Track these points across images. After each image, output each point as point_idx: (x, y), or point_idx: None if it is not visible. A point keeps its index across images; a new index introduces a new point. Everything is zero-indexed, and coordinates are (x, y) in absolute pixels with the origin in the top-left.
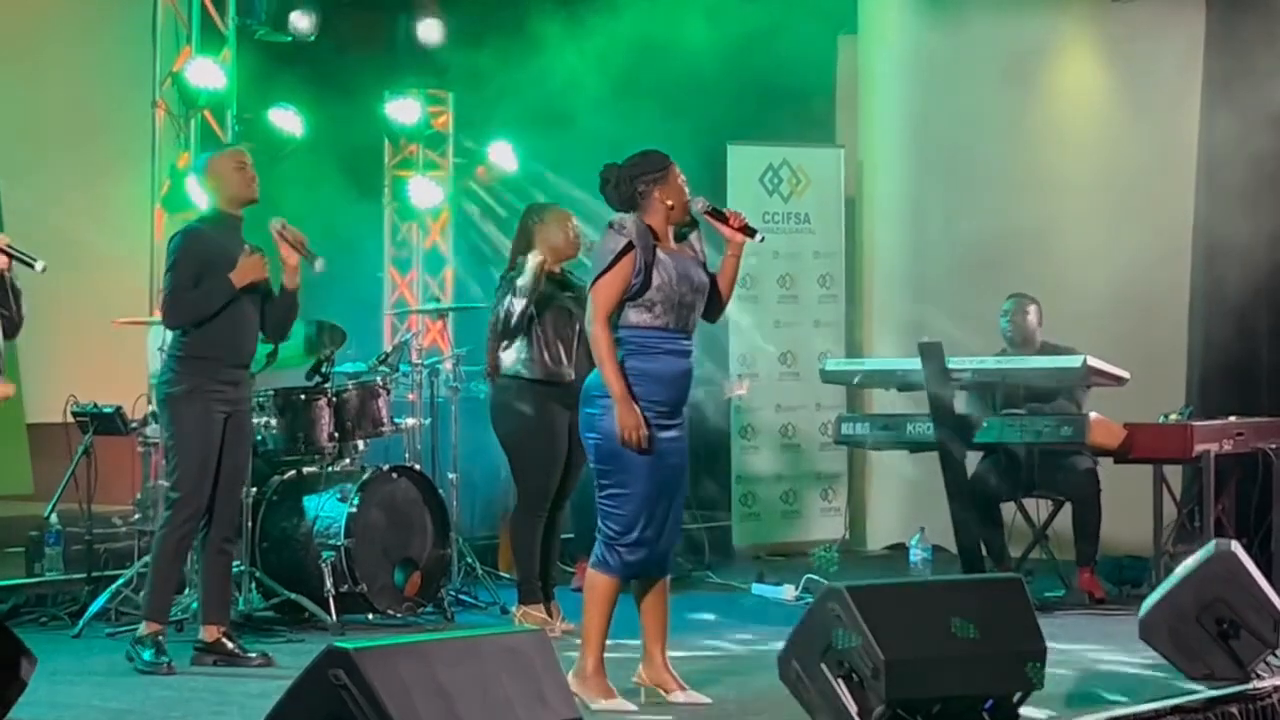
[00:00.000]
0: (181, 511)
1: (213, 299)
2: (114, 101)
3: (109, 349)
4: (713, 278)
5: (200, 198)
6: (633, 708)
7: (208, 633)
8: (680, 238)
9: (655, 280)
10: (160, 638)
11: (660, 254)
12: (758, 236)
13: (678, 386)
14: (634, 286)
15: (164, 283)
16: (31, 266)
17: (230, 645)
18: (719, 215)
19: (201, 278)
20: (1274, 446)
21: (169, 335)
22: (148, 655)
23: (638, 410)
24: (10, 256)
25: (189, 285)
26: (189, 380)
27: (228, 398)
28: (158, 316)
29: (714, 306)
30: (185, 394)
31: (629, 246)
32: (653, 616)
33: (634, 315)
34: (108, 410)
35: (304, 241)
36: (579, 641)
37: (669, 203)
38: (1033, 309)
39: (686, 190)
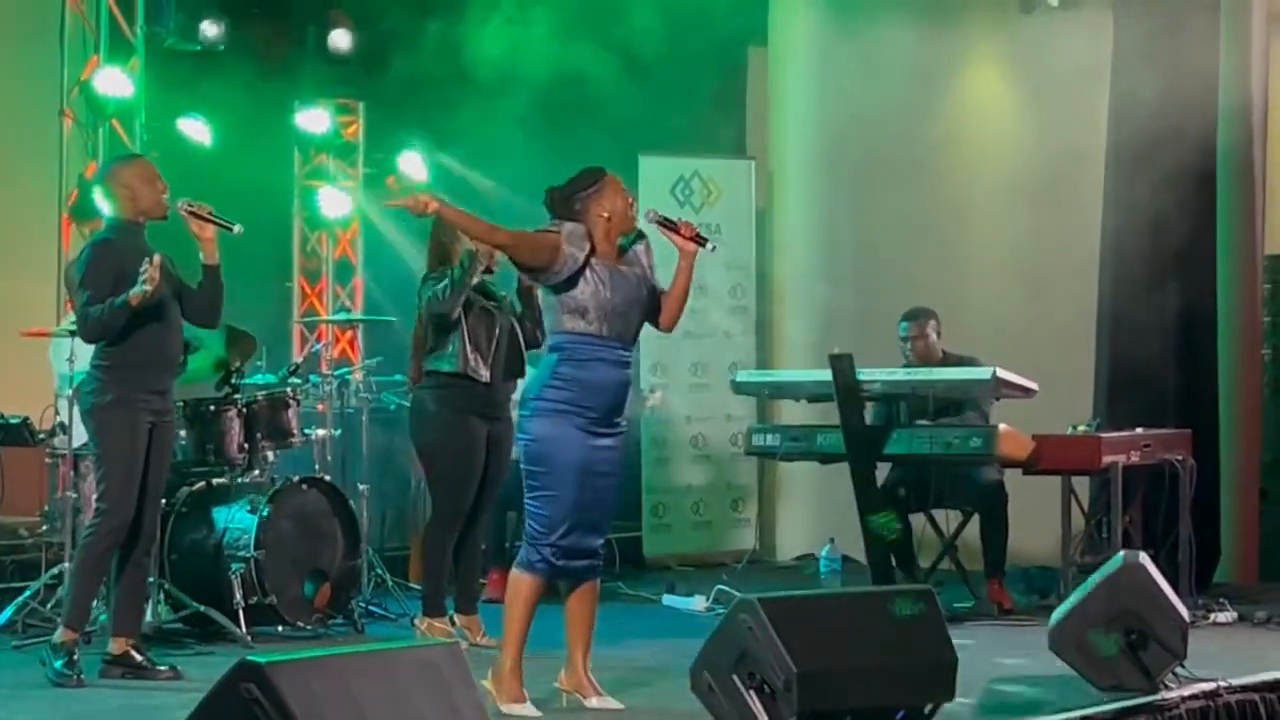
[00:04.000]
0: (108, 522)
1: (115, 317)
2: (20, 110)
3: (16, 359)
4: (658, 290)
5: (103, 205)
6: (538, 714)
7: (116, 644)
8: (626, 247)
9: (586, 288)
10: (75, 647)
11: (594, 263)
12: (709, 245)
13: (611, 395)
14: (558, 273)
15: (77, 297)
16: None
17: (139, 658)
18: (669, 225)
19: (118, 290)
20: (1180, 458)
21: (78, 347)
22: (59, 665)
23: (451, 209)
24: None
25: (101, 299)
26: (115, 390)
27: (154, 408)
28: (64, 326)
29: (665, 315)
30: (112, 404)
31: (555, 232)
32: (579, 621)
33: (568, 321)
34: (14, 421)
35: (211, 211)
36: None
37: (605, 214)
38: (931, 326)
39: (629, 202)
